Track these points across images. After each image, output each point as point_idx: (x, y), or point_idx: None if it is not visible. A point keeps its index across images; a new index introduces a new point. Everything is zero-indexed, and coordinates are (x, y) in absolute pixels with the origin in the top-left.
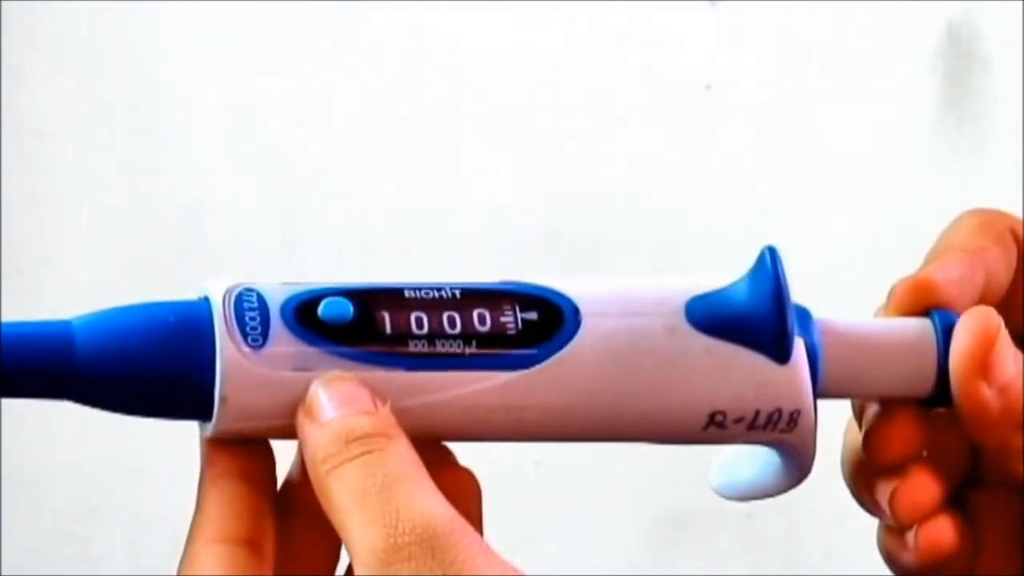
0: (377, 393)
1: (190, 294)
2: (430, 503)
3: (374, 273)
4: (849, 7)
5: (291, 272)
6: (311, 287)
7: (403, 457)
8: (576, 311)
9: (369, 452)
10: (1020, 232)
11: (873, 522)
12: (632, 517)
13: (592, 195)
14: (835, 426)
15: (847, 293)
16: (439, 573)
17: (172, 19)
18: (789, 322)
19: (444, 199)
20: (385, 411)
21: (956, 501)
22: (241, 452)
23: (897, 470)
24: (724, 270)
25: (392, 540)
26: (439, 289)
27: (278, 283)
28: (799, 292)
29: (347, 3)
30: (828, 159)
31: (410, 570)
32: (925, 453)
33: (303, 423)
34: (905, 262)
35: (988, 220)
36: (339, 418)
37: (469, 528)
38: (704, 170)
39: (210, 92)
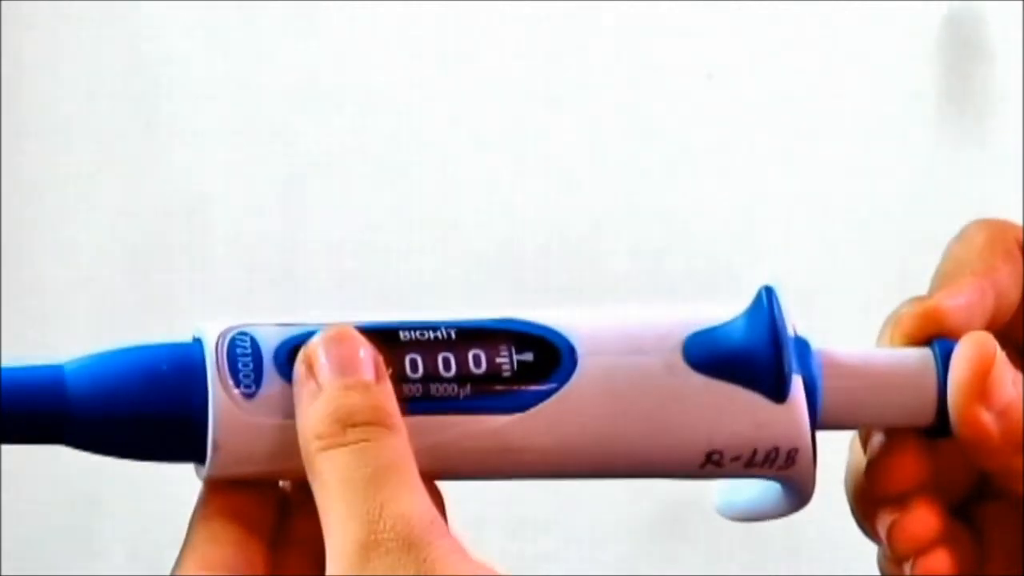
0: None
1: (189, 291)
2: (414, 501)
3: (375, 268)
4: None
5: (291, 267)
6: (306, 329)
7: (396, 451)
8: (572, 350)
9: (365, 441)
10: None
11: None
12: (632, 512)
13: (590, 184)
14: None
15: (847, 283)
16: (413, 570)
17: (173, 10)
18: (786, 363)
19: (445, 193)
20: (387, 387)
21: (961, 511)
22: (235, 492)
23: (898, 500)
24: (722, 264)
25: (373, 537)
26: (434, 328)
27: (273, 323)
28: (799, 286)
29: None
30: (828, 149)
31: (386, 565)
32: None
33: (300, 384)
34: (905, 252)
35: (996, 235)
36: (338, 393)
37: (446, 530)
38: (704, 160)
39: (211, 85)
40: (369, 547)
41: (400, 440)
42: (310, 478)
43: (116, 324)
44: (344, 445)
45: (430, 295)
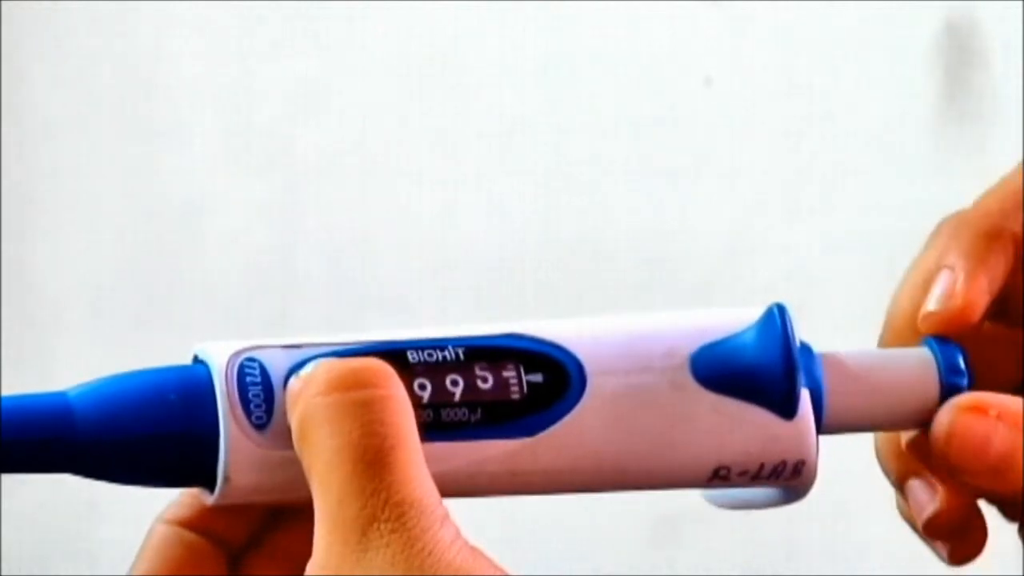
0: None
1: (185, 295)
2: (420, 483)
3: (371, 273)
4: (848, 1)
5: (287, 272)
6: (312, 352)
7: (404, 418)
8: (581, 369)
9: (371, 403)
10: (1002, 232)
11: (870, 521)
12: (632, 515)
13: (587, 188)
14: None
15: (846, 288)
16: (413, 556)
17: (169, 15)
18: (798, 382)
19: (444, 196)
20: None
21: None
22: (201, 504)
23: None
24: (720, 269)
25: (376, 525)
26: (442, 348)
27: (278, 345)
28: (797, 291)
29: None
30: (828, 154)
31: (385, 555)
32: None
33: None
34: (904, 258)
35: (953, 231)
36: (342, 362)
37: (449, 519)
38: (703, 165)
39: (206, 89)
40: (368, 531)
41: (407, 405)
42: (302, 447)
43: (112, 329)
44: (347, 406)
45: (427, 299)
